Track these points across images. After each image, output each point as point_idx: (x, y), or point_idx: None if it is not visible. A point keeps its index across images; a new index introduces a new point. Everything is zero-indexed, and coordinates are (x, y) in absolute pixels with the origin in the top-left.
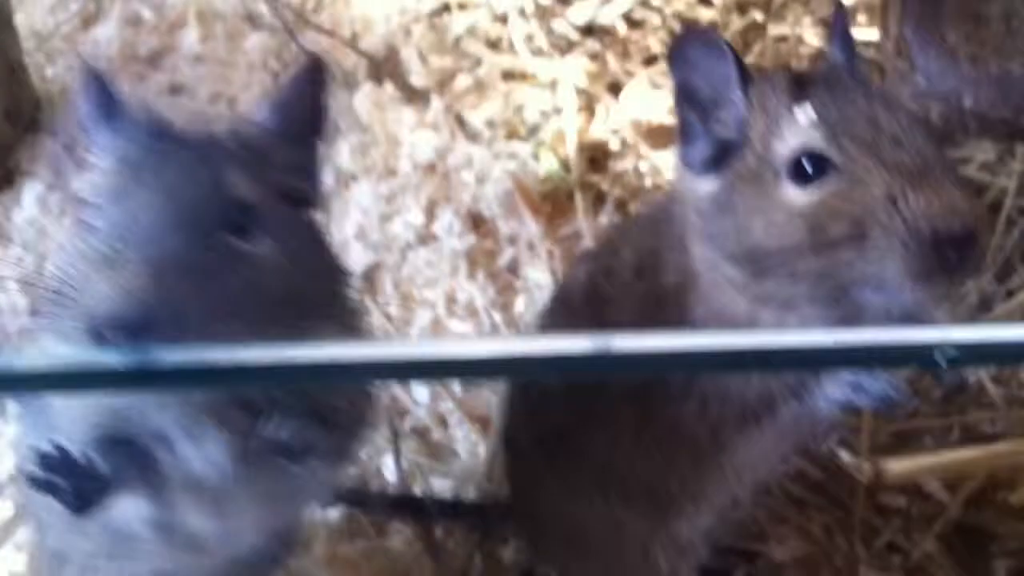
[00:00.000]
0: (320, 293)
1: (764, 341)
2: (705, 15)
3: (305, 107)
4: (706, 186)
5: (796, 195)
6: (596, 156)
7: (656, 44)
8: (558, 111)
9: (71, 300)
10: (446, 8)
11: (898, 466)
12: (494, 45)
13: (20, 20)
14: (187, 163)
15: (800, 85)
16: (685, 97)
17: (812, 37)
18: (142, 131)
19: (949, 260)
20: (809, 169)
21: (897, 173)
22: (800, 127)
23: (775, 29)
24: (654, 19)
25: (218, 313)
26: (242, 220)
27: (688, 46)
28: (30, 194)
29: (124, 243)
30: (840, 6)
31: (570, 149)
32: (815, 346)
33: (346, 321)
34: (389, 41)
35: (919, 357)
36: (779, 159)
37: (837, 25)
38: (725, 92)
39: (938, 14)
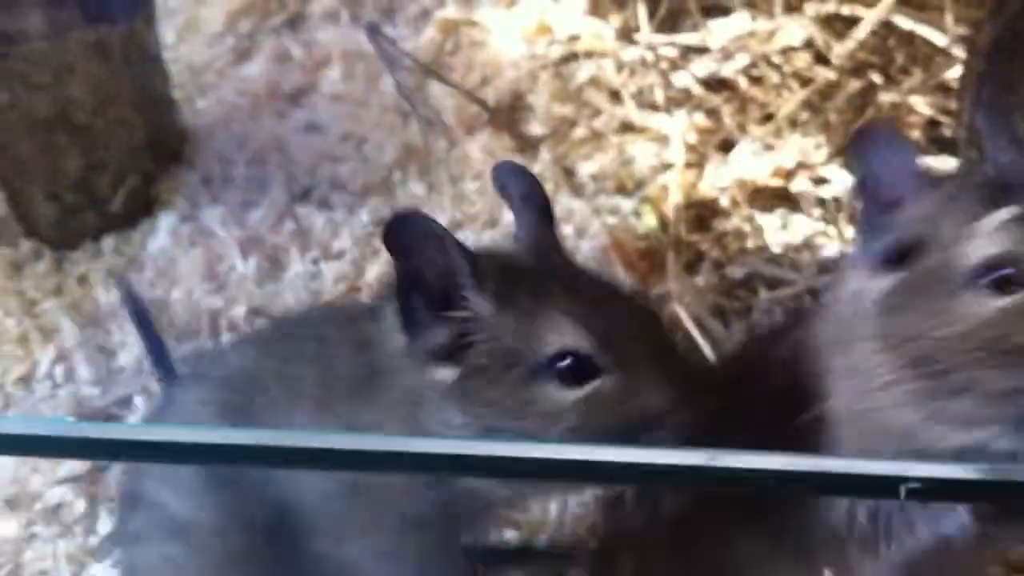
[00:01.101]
0: None
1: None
2: (823, 74)
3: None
4: (883, 283)
5: (986, 302)
6: (699, 214)
7: (772, 101)
8: (667, 167)
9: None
10: (574, 56)
11: None
12: (615, 96)
13: (182, 52)
14: None
15: (997, 189)
16: (865, 189)
17: (924, 107)
18: None
19: None
20: (1002, 276)
21: None
22: (994, 235)
23: (887, 95)
24: (773, 76)
25: None
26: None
27: (871, 139)
28: (165, 224)
29: None
30: None
31: (672, 206)
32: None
33: None
34: (515, 87)
35: None
36: (968, 264)
37: None
38: (908, 188)
39: (1012, 103)
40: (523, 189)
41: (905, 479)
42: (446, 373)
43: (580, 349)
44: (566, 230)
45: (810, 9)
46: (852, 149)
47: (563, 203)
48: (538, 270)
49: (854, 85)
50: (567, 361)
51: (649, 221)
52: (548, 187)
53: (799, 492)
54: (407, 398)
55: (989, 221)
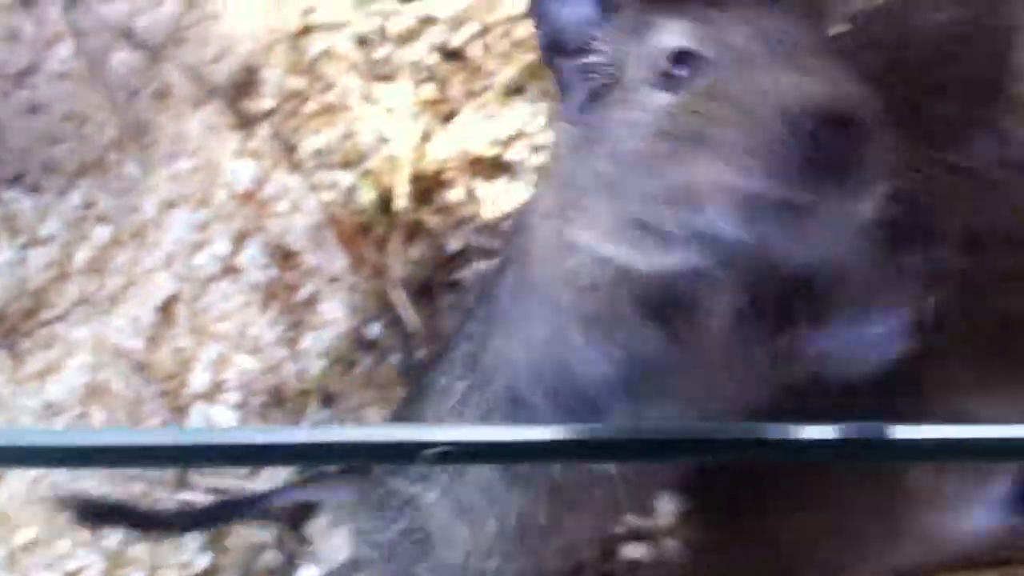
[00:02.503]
0: None
1: None
2: None
3: None
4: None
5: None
6: (424, 187)
7: (499, 70)
8: (390, 140)
9: None
10: (311, 28)
11: None
12: (352, 68)
13: None
14: None
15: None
16: (551, 46)
17: None
18: None
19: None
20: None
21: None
22: (663, 35)
23: None
24: (500, 45)
25: None
26: None
27: None
28: None
29: None
30: None
31: (395, 179)
32: None
33: None
34: (249, 61)
35: None
36: (648, 68)
37: None
38: (592, 27)
39: None
40: None
41: (426, 444)
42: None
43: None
44: (280, 207)
45: None
46: (530, 9)
47: (279, 180)
48: None
49: None
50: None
51: (368, 196)
52: (265, 164)
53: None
54: None
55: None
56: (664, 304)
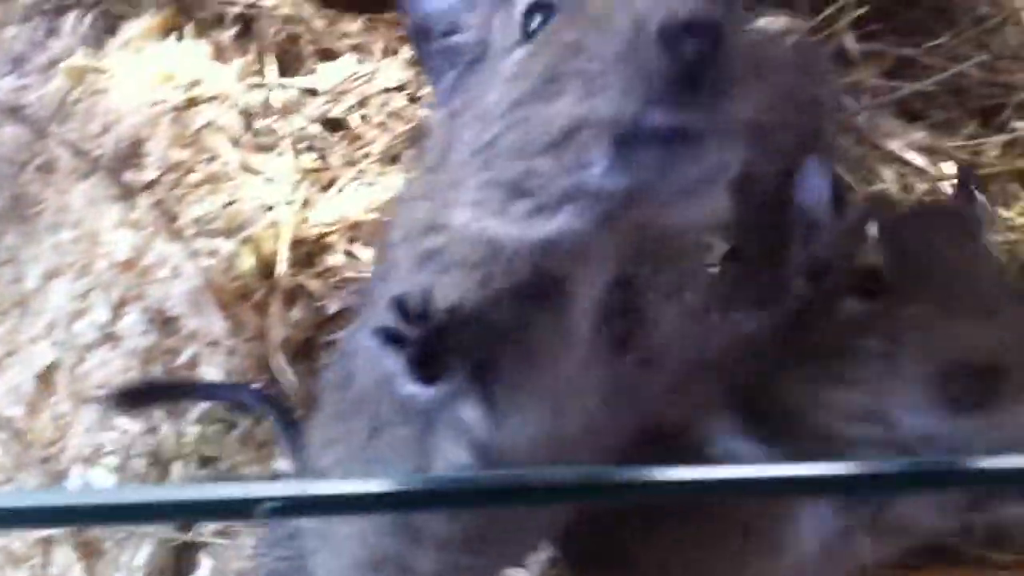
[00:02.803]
0: None
1: None
2: (418, 112)
3: None
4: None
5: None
6: (306, 252)
7: (376, 139)
8: (274, 207)
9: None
10: (195, 101)
11: None
12: (235, 140)
13: None
14: None
15: None
16: (419, 33)
17: None
18: None
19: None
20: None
21: None
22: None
23: None
24: (377, 116)
25: None
26: None
27: None
28: None
29: None
30: None
31: (277, 245)
32: None
33: None
34: (134, 134)
35: None
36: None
37: None
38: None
39: None
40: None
41: (260, 500)
42: None
43: None
44: (160, 274)
45: (405, 52)
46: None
47: (159, 249)
48: None
49: None
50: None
51: (247, 262)
52: (145, 234)
53: None
54: None
55: None
56: (537, 281)
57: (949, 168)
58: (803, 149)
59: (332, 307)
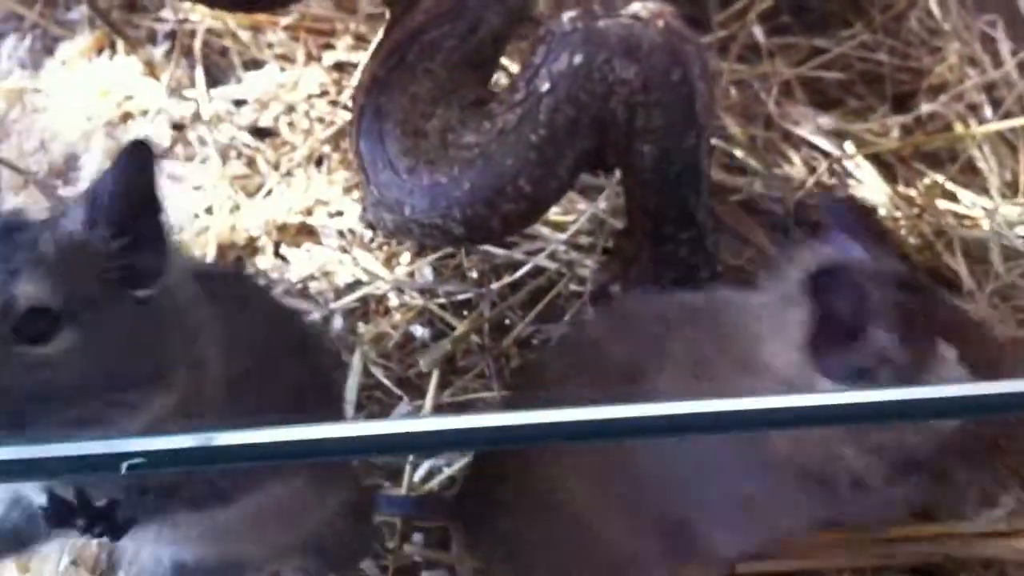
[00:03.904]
0: (166, 357)
1: None
2: (341, 116)
3: (131, 187)
4: None
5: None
6: (237, 256)
7: (302, 145)
8: (199, 215)
9: None
10: (129, 116)
11: None
12: (166, 153)
13: None
14: None
15: None
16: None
17: None
18: None
19: None
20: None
21: None
22: None
23: None
24: (303, 122)
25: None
26: (37, 326)
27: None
28: None
29: None
30: None
31: (206, 250)
32: None
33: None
34: (70, 150)
35: None
36: None
37: None
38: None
39: (383, 132)
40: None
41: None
42: None
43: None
44: None
45: (327, 58)
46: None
47: None
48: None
49: None
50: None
51: None
52: None
53: None
54: None
55: None
56: None
57: (851, 148)
58: (675, 130)
59: None
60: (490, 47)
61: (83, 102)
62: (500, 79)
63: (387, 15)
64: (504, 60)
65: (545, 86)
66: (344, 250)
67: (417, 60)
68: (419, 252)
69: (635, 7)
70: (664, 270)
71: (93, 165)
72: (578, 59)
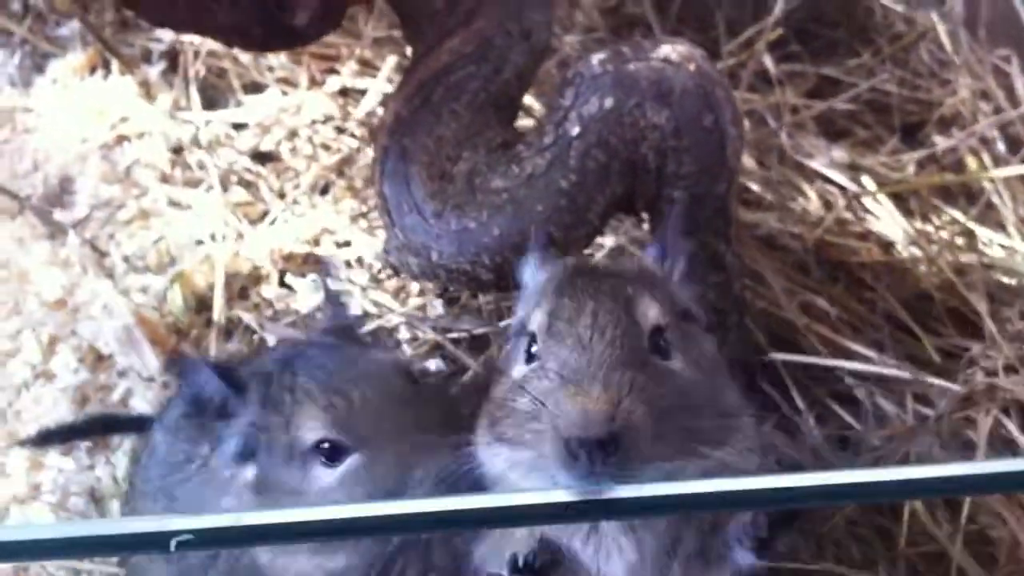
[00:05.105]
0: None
1: None
2: (347, 143)
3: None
4: None
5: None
6: (241, 284)
7: (306, 171)
8: (204, 242)
9: (539, 428)
10: (125, 138)
11: None
12: (165, 176)
13: None
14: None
15: None
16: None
17: None
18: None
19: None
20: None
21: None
22: None
23: None
24: (306, 148)
25: (664, 431)
26: (660, 343)
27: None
28: None
29: (578, 373)
30: None
31: (209, 280)
32: None
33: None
34: (63, 172)
35: None
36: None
37: None
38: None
39: (409, 174)
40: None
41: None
42: (248, 473)
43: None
44: (92, 311)
45: (331, 84)
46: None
47: (89, 286)
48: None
49: (370, 153)
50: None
51: (176, 299)
52: (75, 271)
53: None
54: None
55: None
56: None
57: (869, 184)
58: (705, 176)
59: (269, 338)
60: (515, 87)
61: (76, 123)
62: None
63: (408, 52)
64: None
65: (575, 130)
66: (351, 281)
67: (442, 101)
68: (442, 293)
69: (665, 50)
70: None
71: (88, 189)
72: (609, 103)
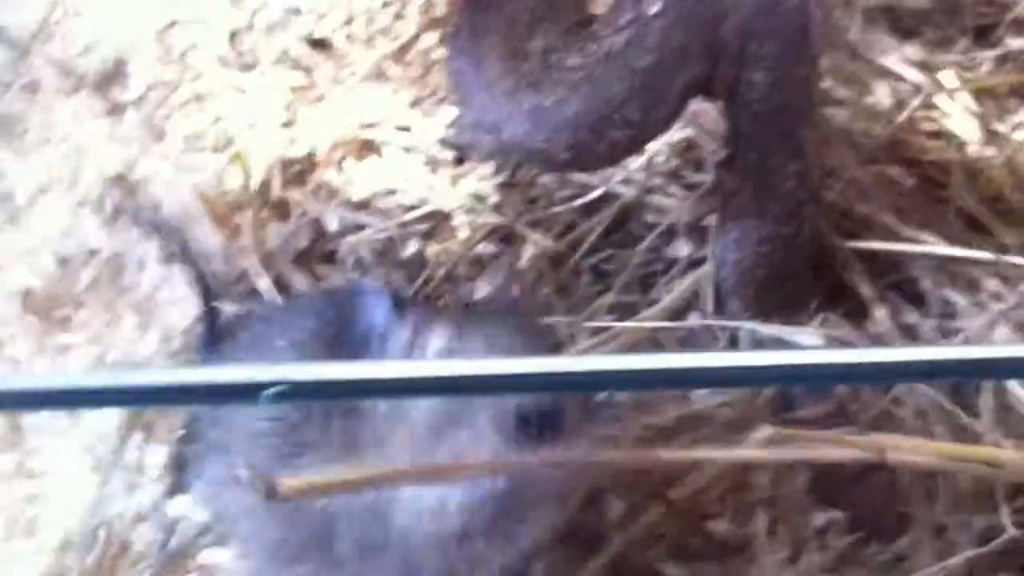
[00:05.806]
0: None
1: None
2: (404, 29)
3: None
4: None
5: None
6: (298, 169)
7: (362, 57)
8: (258, 125)
9: None
10: (174, 24)
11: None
12: (222, 61)
13: None
14: None
15: None
16: None
17: None
18: None
19: None
20: None
21: None
22: None
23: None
24: (362, 34)
25: None
26: None
27: None
28: None
29: None
30: None
31: (264, 162)
32: None
33: None
34: (118, 55)
35: None
36: None
37: None
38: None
39: (481, 51)
40: None
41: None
42: None
43: None
44: (153, 189)
45: None
46: None
47: (148, 165)
48: None
49: (429, 39)
50: None
51: (236, 178)
52: (134, 150)
53: None
54: None
55: None
56: None
57: (944, 80)
58: (788, 59)
59: (332, 223)
60: None
61: (127, 6)
62: None
63: None
64: None
65: (655, 8)
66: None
67: None
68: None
69: None
70: (768, 203)
71: (143, 71)
72: None
